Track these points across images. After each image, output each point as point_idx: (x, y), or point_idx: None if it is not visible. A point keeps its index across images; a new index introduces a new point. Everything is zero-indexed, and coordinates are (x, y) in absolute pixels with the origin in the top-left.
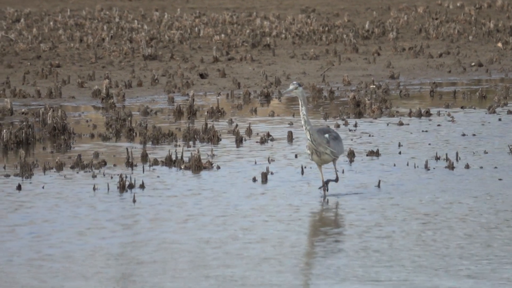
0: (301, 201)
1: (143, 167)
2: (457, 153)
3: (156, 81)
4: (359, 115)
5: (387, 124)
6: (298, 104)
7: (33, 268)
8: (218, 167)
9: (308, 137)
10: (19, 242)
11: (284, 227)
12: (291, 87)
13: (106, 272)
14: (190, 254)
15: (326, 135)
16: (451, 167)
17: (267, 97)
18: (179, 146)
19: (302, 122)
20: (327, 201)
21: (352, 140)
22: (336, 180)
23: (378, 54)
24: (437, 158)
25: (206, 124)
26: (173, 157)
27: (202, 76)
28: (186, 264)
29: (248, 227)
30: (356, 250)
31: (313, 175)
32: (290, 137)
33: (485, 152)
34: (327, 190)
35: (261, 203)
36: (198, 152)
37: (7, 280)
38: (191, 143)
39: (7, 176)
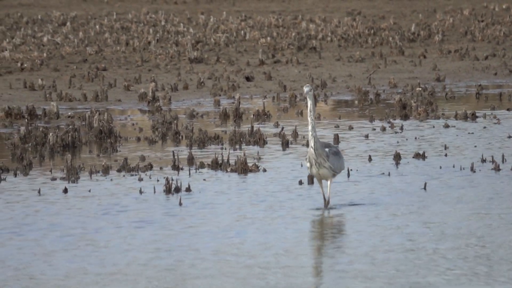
0: (346, 202)
1: (189, 170)
2: (503, 155)
3: (202, 84)
4: (405, 117)
5: (433, 127)
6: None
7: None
8: (264, 170)
9: (312, 144)
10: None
11: (334, 227)
12: (307, 89)
13: (153, 276)
14: (236, 258)
15: (326, 149)
16: (497, 169)
17: None
18: (225, 149)
19: (309, 127)
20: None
21: (398, 142)
22: (326, 204)
23: (424, 57)
24: (483, 160)
25: (252, 127)
26: (219, 160)
27: (248, 79)
28: (234, 267)
29: (298, 229)
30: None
31: (359, 176)
32: (336, 140)
33: None
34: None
35: (309, 205)
36: (244, 155)
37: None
38: (237, 146)
39: (54, 179)
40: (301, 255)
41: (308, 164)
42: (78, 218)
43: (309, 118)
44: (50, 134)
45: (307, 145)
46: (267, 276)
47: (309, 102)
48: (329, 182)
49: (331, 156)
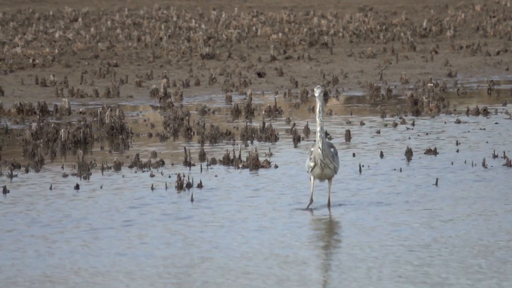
0: (358, 198)
1: (201, 166)
2: None
3: (214, 80)
4: (417, 113)
5: (445, 122)
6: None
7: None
8: (276, 166)
9: (320, 144)
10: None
11: (347, 223)
12: (318, 91)
13: (163, 273)
14: (246, 254)
15: (331, 149)
16: (509, 164)
17: (324, 96)
18: (237, 145)
19: (318, 128)
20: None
21: (409, 138)
22: (328, 204)
23: (436, 52)
24: (495, 156)
25: (264, 123)
26: (231, 156)
27: (259, 75)
28: (246, 264)
29: (313, 226)
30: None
31: (372, 172)
32: (348, 136)
33: None
34: (309, 207)
35: (320, 202)
36: (256, 151)
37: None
38: (248, 142)
39: (65, 175)
40: (317, 247)
41: (311, 164)
42: (89, 215)
43: (317, 119)
44: (62, 130)
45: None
46: (284, 271)
47: (318, 104)
48: (330, 182)
49: (335, 157)
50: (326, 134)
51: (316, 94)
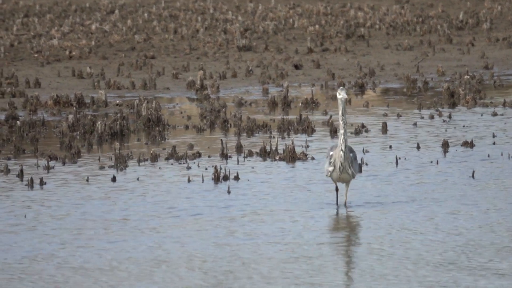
0: (395, 189)
1: (238, 158)
2: None
3: (251, 72)
4: (453, 105)
5: (481, 115)
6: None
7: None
8: (313, 158)
9: (343, 147)
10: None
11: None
12: (343, 92)
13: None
14: (281, 246)
15: (351, 154)
16: None
17: (361, 88)
18: (274, 137)
19: (341, 131)
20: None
21: (446, 130)
22: (342, 204)
23: (472, 45)
24: None
25: (301, 115)
26: (268, 149)
27: (296, 67)
28: (279, 257)
29: (350, 217)
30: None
31: (407, 164)
32: (385, 128)
33: None
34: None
35: (357, 194)
36: (293, 143)
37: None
38: (285, 134)
39: (102, 167)
40: (346, 241)
41: (330, 168)
42: (123, 206)
43: (341, 122)
44: (98, 122)
45: (331, 149)
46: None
47: (341, 106)
48: (347, 186)
49: (353, 162)
50: (363, 126)
51: (340, 96)
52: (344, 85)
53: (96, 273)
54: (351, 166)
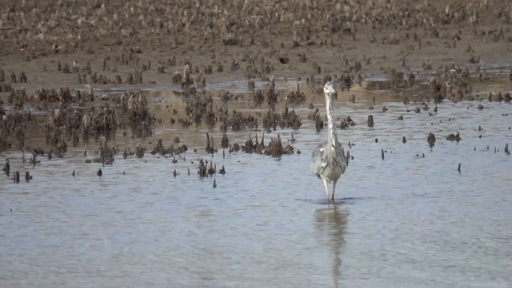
0: (381, 182)
1: (224, 152)
2: None
3: (237, 66)
4: (439, 99)
5: (467, 108)
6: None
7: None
8: (299, 152)
9: (333, 142)
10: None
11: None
12: (331, 87)
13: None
14: (263, 241)
15: (341, 147)
16: None
17: (347, 82)
18: (260, 131)
19: (330, 125)
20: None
21: (432, 124)
22: (332, 200)
23: (458, 38)
24: None
25: (287, 109)
26: (254, 142)
27: (282, 61)
28: (260, 250)
29: (335, 211)
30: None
31: (393, 157)
32: (371, 122)
33: None
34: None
35: (342, 187)
36: (279, 137)
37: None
38: (271, 128)
39: (88, 161)
40: (331, 237)
41: (323, 164)
42: (110, 200)
43: (329, 116)
44: (85, 116)
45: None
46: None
47: (328, 101)
48: (336, 181)
49: (343, 154)
50: (349, 120)
51: (327, 91)
52: (330, 79)
53: (74, 271)
54: (343, 159)
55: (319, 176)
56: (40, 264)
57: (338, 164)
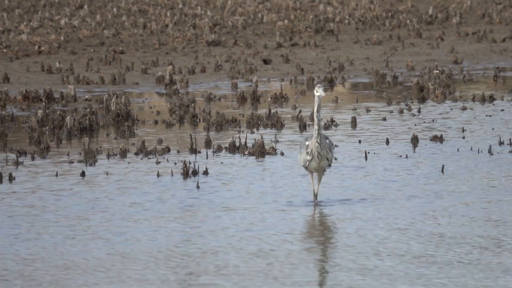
0: (366, 183)
1: (207, 153)
2: None
3: (220, 67)
4: (423, 100)
5: (451, 109)
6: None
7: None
8: (282, 153)
9: (318, 140)
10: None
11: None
12: (321, 90)
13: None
14: (254, 240)
15: (327, 141)
16: None
17: (330, 83)
18: (243, 132)
19: (316, 127)
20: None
21: (415, 125)
22: (315, 197)
23: (442, 39)
24: (501, 143)
25: (270, 110)
26: (237, 143)
27: (265, 62)
28: (250, 250)
29: (319, 212)
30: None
31: (377, 158)
32: (354, 123)
33: None
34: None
35: (325, 189)
36: (262, 138)
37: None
38: (254, 129)
39: (71, 162)
40: (316, 237)
41: (308, 157)
42: (94, 201)
43: (315, 118)
44: (68, 117)
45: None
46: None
47: (317, 103)
48: (322, 175)
49: (331, 147)
50: (332, 121)
51: (318, 94)
52: (313, 80)
53: (55, 269)
54: (329, 152)
55: (306, 168)
56: (33, 265)
57: (324, 157)
